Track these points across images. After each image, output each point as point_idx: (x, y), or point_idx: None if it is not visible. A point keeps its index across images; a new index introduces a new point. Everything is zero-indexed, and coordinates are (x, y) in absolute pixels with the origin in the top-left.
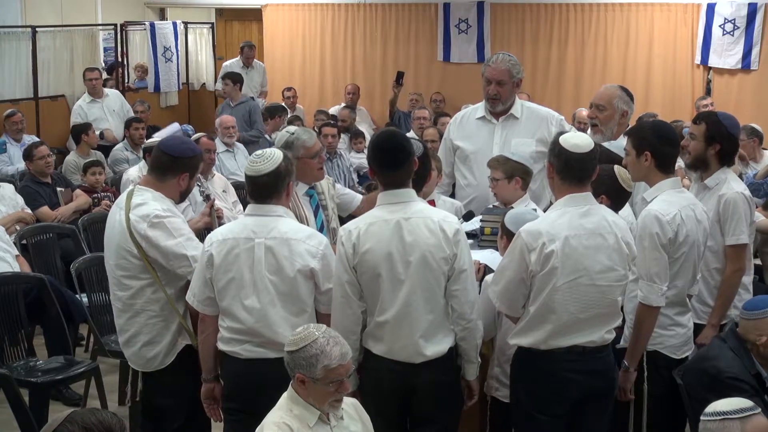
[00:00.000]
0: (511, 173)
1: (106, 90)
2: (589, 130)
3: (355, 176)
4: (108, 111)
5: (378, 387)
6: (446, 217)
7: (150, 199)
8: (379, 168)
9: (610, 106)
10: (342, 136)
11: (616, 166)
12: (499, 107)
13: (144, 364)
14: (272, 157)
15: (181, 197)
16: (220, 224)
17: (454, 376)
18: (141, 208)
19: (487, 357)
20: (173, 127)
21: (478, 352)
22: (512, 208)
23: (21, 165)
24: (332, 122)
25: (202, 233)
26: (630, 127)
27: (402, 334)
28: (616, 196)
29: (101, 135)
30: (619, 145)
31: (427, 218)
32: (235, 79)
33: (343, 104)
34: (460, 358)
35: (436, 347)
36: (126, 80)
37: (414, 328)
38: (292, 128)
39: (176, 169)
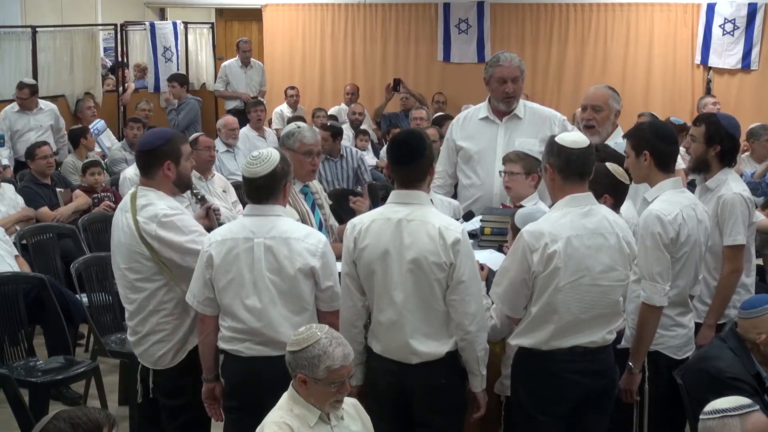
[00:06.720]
0: (530, 169)
1: (42, 104)
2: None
3: (368, 176)
4: (36, 125)
5: (373, 386)
6: (449, 225)
7: (155, 199)
8: (391, 162)
9: (606, 106)
10: (346, 132)
11: (607, 164)
12: (514, 105)
13: (154, 362)
14: (269, 159)
15: (179, 187)
16: (220, 224)
17: (454, 379)
18: (148, 209)
19: (499, 356)
20: (99, 124)
21: (481, 364)
22: (521, 206)
23: (5, 161)
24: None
25: None
26: (628, 129)
27: (396, 334)
28: (617, 193)
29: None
30: (623, 144)
31: (428, 222)
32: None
33: (342, 104)
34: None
35: (432, 349)
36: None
37: (407, 329)
38: (301, 123)
39: (156, 160)
